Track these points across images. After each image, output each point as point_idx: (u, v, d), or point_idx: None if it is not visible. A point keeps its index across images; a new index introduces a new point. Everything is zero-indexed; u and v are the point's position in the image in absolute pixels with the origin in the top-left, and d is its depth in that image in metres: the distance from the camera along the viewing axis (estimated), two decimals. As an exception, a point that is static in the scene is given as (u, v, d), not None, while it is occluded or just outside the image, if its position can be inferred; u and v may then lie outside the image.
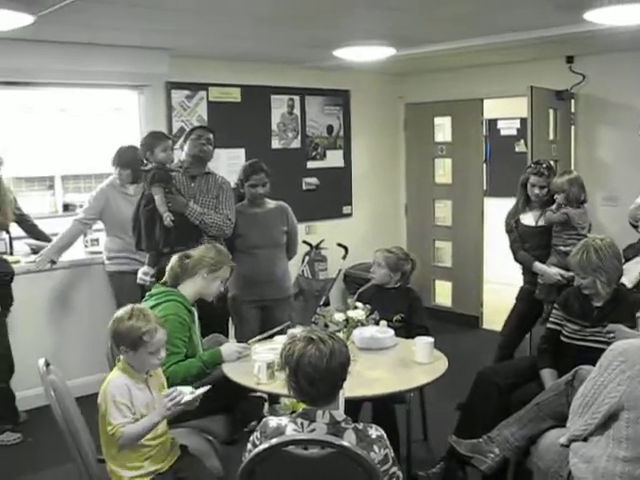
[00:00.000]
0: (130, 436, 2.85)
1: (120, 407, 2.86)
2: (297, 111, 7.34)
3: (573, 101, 6.74)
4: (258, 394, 3.91)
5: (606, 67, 6.44)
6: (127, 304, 3.10)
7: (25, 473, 4.38)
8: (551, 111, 6.61)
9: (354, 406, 3.88)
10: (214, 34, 5.32)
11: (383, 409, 3.91)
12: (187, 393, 3.02)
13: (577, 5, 4.22)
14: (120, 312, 3.04)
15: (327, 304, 6.59)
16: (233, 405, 3.84)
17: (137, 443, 2.90)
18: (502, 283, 7.35)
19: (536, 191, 4.96)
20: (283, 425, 2.45)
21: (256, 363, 3.49)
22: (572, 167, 6.60)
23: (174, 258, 3.90)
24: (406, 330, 4.22)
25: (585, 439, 2.89)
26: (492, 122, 9.12)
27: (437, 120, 8.06)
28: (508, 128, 9.22)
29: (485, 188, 7.94)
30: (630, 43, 5.76)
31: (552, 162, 5.36)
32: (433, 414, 4.70)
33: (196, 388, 3.18)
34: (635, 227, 4.62)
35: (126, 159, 5.36)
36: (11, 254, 5.50)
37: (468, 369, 4.24)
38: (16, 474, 4.37)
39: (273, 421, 2.50)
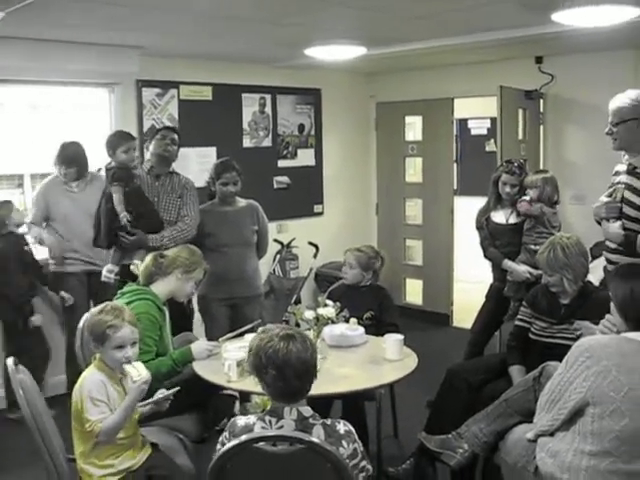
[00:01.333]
0: (108, 430, 2.85)
1: (96, 403, 2.87)
2: (268, 110, 7.34)
3: (542, 101, 6.82)
4: (229, 392, 3.91)
5: (574, 67, 6.52)
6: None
7: None
8: (520, 111, 6.68)
9: (324, 403, 3.91)
10: (184, 33, 5.29)
11: (353, 406, 3.93)
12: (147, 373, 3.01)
13: (544, 6, 4.27)
14: (96, 307, 3.07)
15: (298, 302, 6.59)
16: (204, 403, 3.85)
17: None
18: (472, 282, 7.41)
19: (507, 189, 5.01)
20: (251, 423, 2.46)
21: (226, 361, 3.49)
22: (541, 166, 6.68)
23: (149, 257, 3.91)
24: (376, 328, 4.24)
25: (552, 434, 2.92)
26: (463, 121, 9.19)
27: (408, 119, 8.10)
28: (478, 127, 9.29)
29: (455, 187, 7.99)
30: (597, 44, 5.84)
31: (523, 161, 5.42)
32: (403, 411, 4.72)
33: (167, 387, 3.19)
34: (600, 224, 4.68)
35: (71, 156, 5.31)
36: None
37: (438, 366, 4.27)
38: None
39: (241, 420, 2.50)
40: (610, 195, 3.83)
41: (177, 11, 4.48)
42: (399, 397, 4.66)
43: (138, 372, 2.93)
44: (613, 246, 3.79)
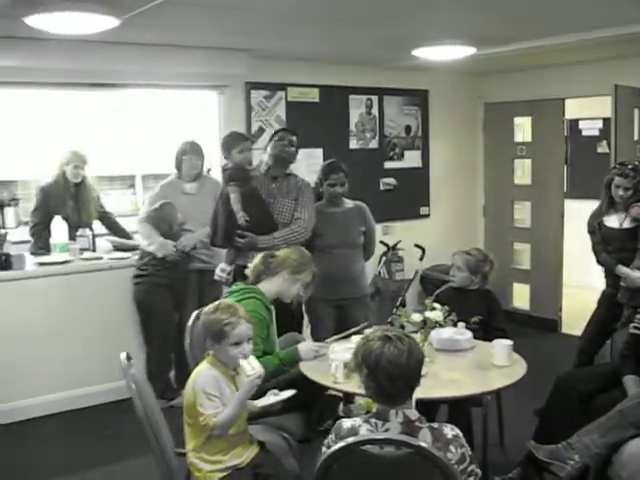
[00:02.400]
0: (223, 423, 2.89)
1: (211, 398, 2.91)
2: (375, 111, 7.35)
3: (660, 100, 6.56)
4: (334, 393, 3.92)
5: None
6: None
7: (104, 464, 4.50)
8: (636, 110, 6.44)
9: (430, 407, 3.87)
10: (293, 35, 5.35)
11: (459, 411, 3.87)
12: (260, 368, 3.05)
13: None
14: (209, 306, 3.13)
15: (403, 305, 6.54)
16: (309, 403, 3.87)
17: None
18: (582, 287, 7.20)
19: (620, 192, 4.84)
20: (357, 426, 2.46)
21: (333, 362, 3.49)
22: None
23: (259, 256, 3.97)
24: (484, 332, 4.17)
25: (671, 449, 2.81)
26: (573, 122, 8.93)
27: (517, 120, 7.95)
28: (590, 129, 9.01)
29: (565, 190, 7.78)
30: None
31: (638, 163, 5.22)
32: (510, 419, 4.62)
33: (276, 387, 3.24)
34: None
35: (198, 148, 5.57)
36: (94, 250, 5.64)
37: (546, 374, 4.17)
38: (96, 464, 4.49)
39: (347, 422, 2.50)
40: None
41: (288, 15, 4.54)
42: (506, 404, 4.57)
43: (252, 367, 2.97)
44: None
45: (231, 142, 4.99)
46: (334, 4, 4.31)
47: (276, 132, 5.10)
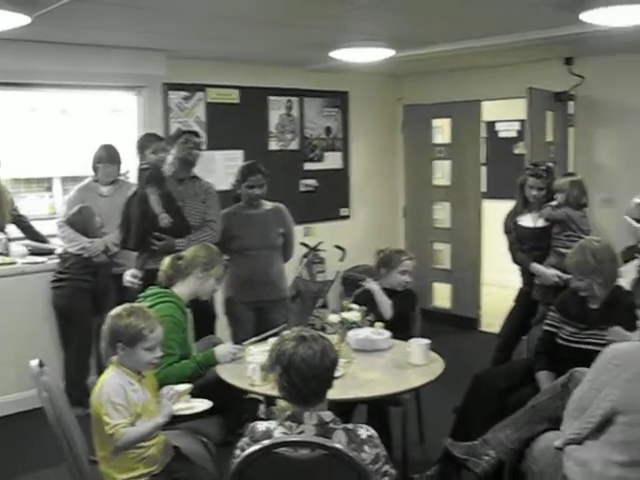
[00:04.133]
0: (129, 439, 2.85)
1: (117, 408, 2.86)
2: (295, 112, 7.34)
3: (572, 103, 6.73)
4: (254, 396, 3.89)
5: (605, 68, 6.43)
6: None
7: (17, 474, 4.37)
8: (549, 113, 6.61)
9: (348, 407, 3.89)
10: (210, 36, 5.30)
11: (377, 411, 3.89)
12: (180, 390, 3.03)
13: (573, 6, 4.20)
14: (118, 310, 3.06)
15: (325, 306, 6.58)
16: (227, 407, 3.82)
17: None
18: (501, 285, 7.33)
19: (534, 192, 4.96)
20: (271, 428, 2.44)
21: (250, 364, 3.47)
22: (571, 169, 6.60)
23: (167, 259, 3.91)
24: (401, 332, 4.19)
25: (580, 442, 2.87)
26: (491, 124, 9.11)
27: (435, 122, 8.04)
28: (507, 130, 9.19)
29: (484, 190, 7.92)
30: (628, 44, 5.76)
31: (550, 164, 5.35)
32: (430, 417, 4.67)
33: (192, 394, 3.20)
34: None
35: (114, 154, 5.48)
36: (7, 255, 5.48)
37: (466, 371, 4.23)
38: (8, 475, 4.36)
39: (261, 425, 2.49)
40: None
41: (203, 14, 4.48)
42: (425, 403, 4.62)
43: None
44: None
45: (144, 143, 4.94)
46: (251, 4, 4.27)
47: (181, 134, 5.06)
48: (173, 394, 2.98)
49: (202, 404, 3.19)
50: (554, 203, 4.89)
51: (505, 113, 8.69)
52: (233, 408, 3.89)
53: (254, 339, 4.05)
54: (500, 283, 7.48)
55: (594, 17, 4.33)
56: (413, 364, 3.72)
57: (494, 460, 3.40)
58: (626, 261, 4.86)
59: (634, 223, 3.75)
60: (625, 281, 4.27)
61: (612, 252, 3.87)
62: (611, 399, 2.67)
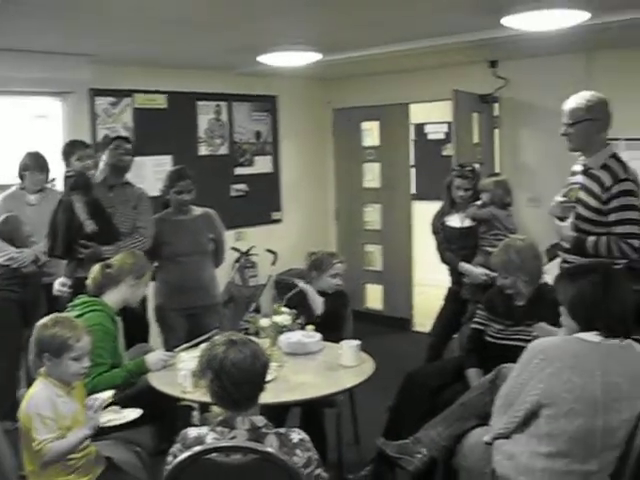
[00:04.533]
0: (57, 453, 2.80)
1: (45, 422, 2.81)
2: (224, 117, 7.31)
3: (497, 105, 6.86)
4: (187, 403, 3.86)
5: (528, 71, 6.57)
6: None
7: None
8: (475, 114, 6.72)
9: (282, 411, 3.89)
10: (136, 39, 5.23)
11: (311, 414, 3.90)
12: (104, 398, 2.99)
13: (495, 10, 4.30)
14: (44, 320, 3.01)
15: (258, 310, 6.55)
16: (160, 415, 3.78)
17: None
18: (432, 285, 7.42)
19: (460, 193, 5.05)
20: (203, 434, 2.43)
21: (181, 371, 3.45)
22: (497, 170, 6.73)
23: (95, 268, 3.86)
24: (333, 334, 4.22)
25: (508, 436, 2.93)
26: (420, 126, 9.24)
27: (365, 125, 8.12)
28: (435, 132, 9.33)
29: (413, 192, 8.02)
30: (549, 48, 5.91)
31: (477, 165, 5.47)
32: (365, 417, 4.71)
33: (121, 404, 3.16)
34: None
35: (42, 162, 5.26)
36: None
37: (399, 371, 4.25)
38: None
39: (193, 431, 2.47)
40: (565, 195, 3.87)
41: (128, 16, 4.43)
42: (360, 403, 4.65)
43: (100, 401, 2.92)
44: (568, 246, 3.82)
45: (69, 150, 4.87)
46: (177, 7, 4.24)
47: (111, 140, 5.01)
48: (98, 405, 2.93)
49: (133, 413, 3.16)
50: (479, 203, 5.00)
51: (434, 115, 8.82)
52: (166, 416, 3.84)
53: (185, 345, 4.02)
54: (432, 283, 7.56)
55: (514, 22, 4.44)
56: (345, 365, 3.75)
57: (426, 458, 3.44)
58: (551, 259, 5.00)
59: (557, 221, 3.84)
60: (550, 278, 4.38)
61: (536, 250, 3.98)
62: (536, 393, 2.72)
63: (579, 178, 3.83)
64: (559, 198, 3.89)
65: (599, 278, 2.84)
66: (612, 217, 3.63)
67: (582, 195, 3.75)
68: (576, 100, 3.76)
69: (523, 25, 4.53)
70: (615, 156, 3.75)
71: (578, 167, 3.89)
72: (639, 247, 3.62)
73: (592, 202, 3.69)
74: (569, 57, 6.26)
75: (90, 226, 4.54)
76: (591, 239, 3.66)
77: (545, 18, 4.33)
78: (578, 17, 4.35)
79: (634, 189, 3.66)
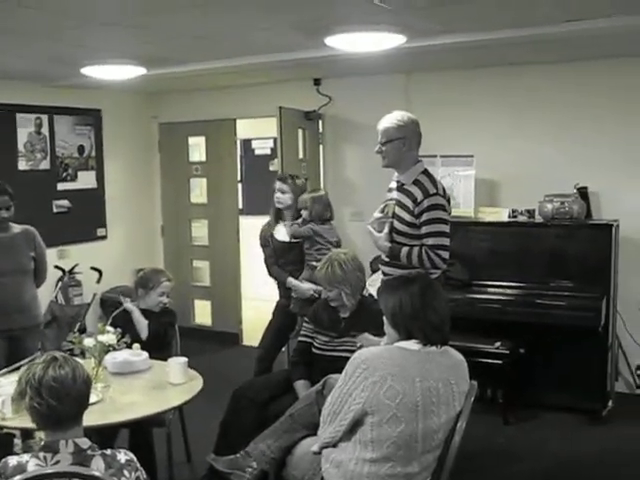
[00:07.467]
0: None
1: None
2: (45, 131, 7.04)
3: (321, 121, 7.05)
4: (7, 430, 3.69)
5: (350, 89, 6.80)
6: None
7: None
8: (300, 131, 6.87)
9: (110, 433, 3.80)
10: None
11: (140, 434, 3.83)
12: None
13: (317, 31, 4.42)
14: None
15: (83, 330, 6.37)
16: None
17: None
18: (261, 299, 7.48)
19: (278, 194, 5.19)
20: (24, 462, 2.33)
21: (0, 397, 3.29)
22: (322, 184, 6.91)
23: None
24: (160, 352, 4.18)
25: (335, 445, 3.01)
26: (247, 142, 9.31)
27: (192, 140, 8.07)
28: (262, 148, 9.45)
29: (241, 207, 8.07)
30: (370, 68, 6.15)
31: (304, 179, 5.59)
32: (196, 435, 4.68)
33: None
34: None
35: None
36: None
37: (229, 386, 4.27)
38: None
39: (13, 459, 2.36)
40: (382, 210, 4.03)
41: None
42: (191, 421, 4.62)
43: None
44: (387, 259, 4.00)
45: None
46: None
47: None
48: None
49: None
50: (299, 221, 5.12)
51: (260, 131, 8.92)
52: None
53: (5, 370, 3.85)
54: (262, 297, 7.63)
55: (337, 42, 4.59)
56: (172, 383, 3.72)
57: (257, 471, 3.46)
58: (374, 271, 5.20)
59: (375, 233, 4.00)
60: (373, 289, 4.56)
61: (358, 262, 4.13)
62: (360, 401, 2.81)
63: (395, 194, 4.01)
64: (377, 214, 4.06)
65: (417, 289, 2.97)
66: (423, 230, 3.84)
67: (397, 210, 3.94)
68: (389, 120, 3.94)
69: (345, 46, 4.69)
70: (426, 172, 3.96)
71: (394, 184, 4.08)
72: (448, 258, 3.85)
73: (406, 216, 3.88)
74: (389, 77, 6.54)
75: None
76: (404, 249, 3.86)
77: (365, 40, 4.52)
78: (395, 40, 4.56)
79: (444, 203, 3.89)
